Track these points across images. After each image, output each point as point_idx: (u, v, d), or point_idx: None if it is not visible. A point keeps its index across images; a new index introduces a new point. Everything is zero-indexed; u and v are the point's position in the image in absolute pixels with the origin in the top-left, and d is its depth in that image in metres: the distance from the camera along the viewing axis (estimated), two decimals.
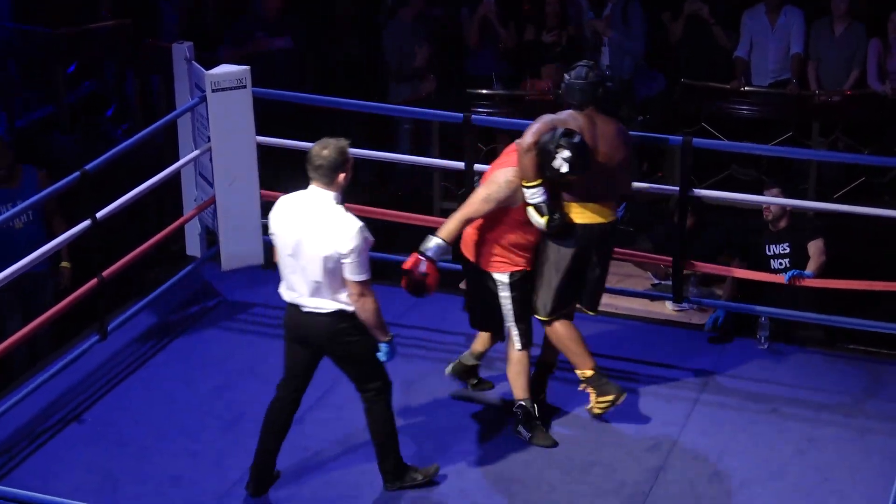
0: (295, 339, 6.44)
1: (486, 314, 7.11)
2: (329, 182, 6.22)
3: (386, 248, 9.50)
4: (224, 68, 8.21)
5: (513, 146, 6.93)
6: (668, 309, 8.72)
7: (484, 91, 11.13)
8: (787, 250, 8.23)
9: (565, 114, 6.94)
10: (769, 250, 8.28)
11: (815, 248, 8.12)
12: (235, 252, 8.38)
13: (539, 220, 6.75)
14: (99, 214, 7.44)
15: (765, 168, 10.97)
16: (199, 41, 8.89)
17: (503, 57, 11.47)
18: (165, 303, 8.40)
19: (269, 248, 8.56)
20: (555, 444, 6.99)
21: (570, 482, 6.71)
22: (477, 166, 8.27)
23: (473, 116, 8.35)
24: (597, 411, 7.16)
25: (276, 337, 7.99)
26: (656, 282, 9.23)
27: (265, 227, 8.43)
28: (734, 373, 7.72)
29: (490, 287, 6.98)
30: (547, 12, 11.35)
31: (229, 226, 8.31)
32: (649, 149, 11.08)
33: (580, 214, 6.89)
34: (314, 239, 6.19)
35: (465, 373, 7.45)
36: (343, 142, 6.27)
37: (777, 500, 6.59)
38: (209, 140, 8.16)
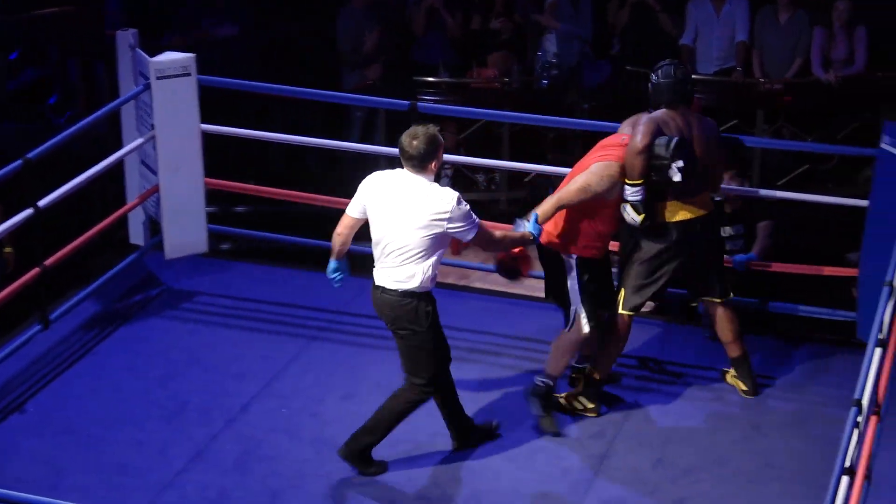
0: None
1: (557, 296, 7.13)
2: (422, 169, 6.30)
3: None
4: (169, 56, 8.15)
5: (612, 140, 7.00)
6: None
7: (430, 79, 11.12)
8: (741, 231, 8.20)
9: (662, 113, 7.02)
10: (723, 232, 8.28)
11: (762, 230, 8.16)
12: (179, 240, 8.34)
13: (635, 217, 6.87)
14: (41, 203, 7.38)
15: None
16: (143, 28, 8.82)
17: (450, 45, 11.47)
18: (109, 292, 8.33)
19: (213, 236, 8.57)
20: (557, 434, 7.02)
21: (515, 469, 6.72)
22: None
23: (420, 104, 8.34)
24: (564, 404, 7.20)
25: (220, 326, 8.02)
26: None
27: (210, 216, 8.47)
28: (679, 360, 7.75)
29: (561, 269, 7.01)
30: (495, 1, 11.37)
31: (173, 214, 8.26)
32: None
33: (677, 212, 7.00)
34: (407, 212, 6.27)
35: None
36: (432, 129, 6.32)
37: (720, 486, 6.63)
38: (153, 128, 8.10)
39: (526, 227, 6.69)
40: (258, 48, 11.56)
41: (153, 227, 8.59)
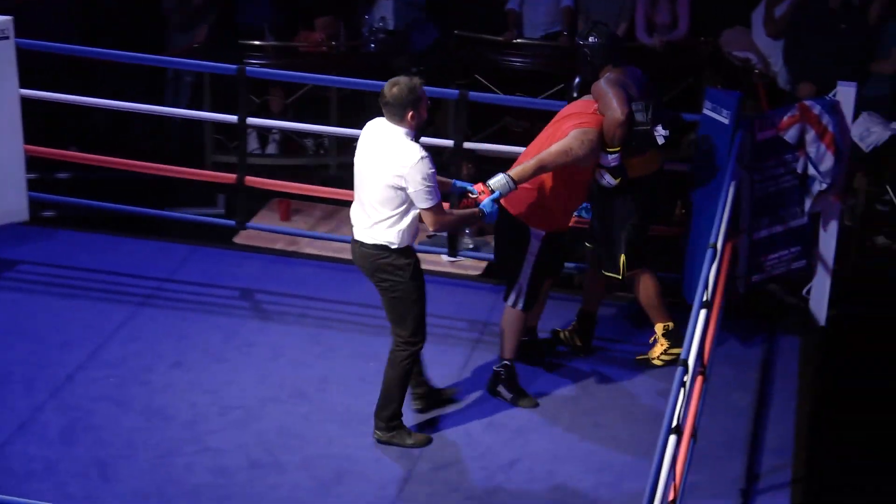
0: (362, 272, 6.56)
1: (508, 269, 7.09)
2: (399, 119, 6.24)
3: (162, 204, 9.39)
4: None
5: (582, 107, 6.95)
6: (442, 261, 8.77)
7: (256, 42, 10.97)
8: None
9: (617, 76, 6.99)
10: None
11: None
12: None
13: (612, 181, 6.93)
14: None
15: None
16: None
17: (275, 7, 11.33)
18: None
19: (34, 203, 8.37)
20: (536, 405, 7.02)
21: (348, 435, 6.70)
22: (252, 119, 8.17)
23: (248, 69, 8.23)
24: (658, 363, 7.36)
25: (44, 295, 7.85)
26: (431, 233, 9.26)
27: (31, 183, 8.26)
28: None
29: (519, 241, 6.97)
30: None
31: None
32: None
33: (638, 169, 7.06)
34: (376, 166, 6.26)
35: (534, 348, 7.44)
36: (415, 80, 6.28)
37: (551, 445, 6.70)
38: None
39: (498, 181, 6.61)
40: (81, 10, 11.25)
41: None
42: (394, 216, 6.32)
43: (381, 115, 6.33)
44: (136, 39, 10.22)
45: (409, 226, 6.37)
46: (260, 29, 11.07)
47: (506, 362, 7.06)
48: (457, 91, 8.11)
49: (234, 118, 8.23)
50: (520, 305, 7.03)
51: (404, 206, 6.31)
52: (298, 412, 6.88)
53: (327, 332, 7.65)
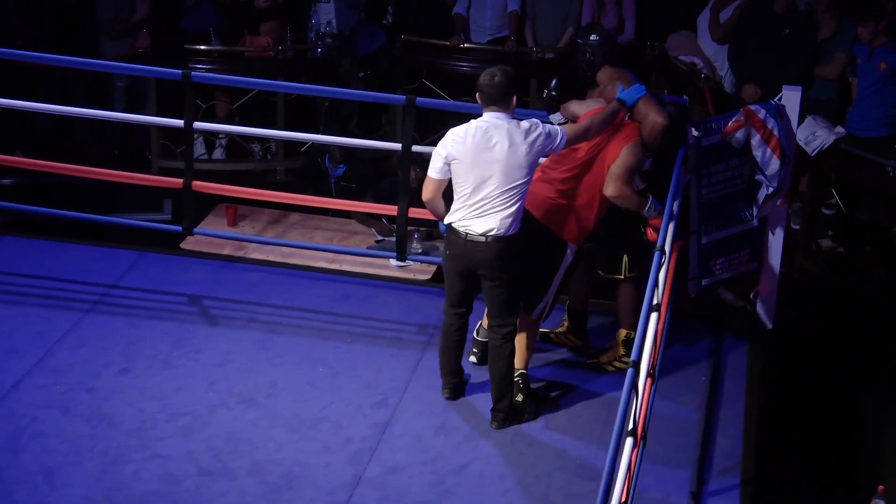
0: (459, 268, 6.74)
1: (539, 282, 7.02)
2: (506, 105, 6.56)
3: (108, 209, 9.33)
4: None
5: (620, 124, 6.93)
6: (391, 265, 8.75)
7: (202, 47, 10.92)
8: None
9: (626, 74, 7.07)
10: None
11: None
12: None
13: (641, 184, 7.01)
14: None
15: None
16: None
17: (220, 11, 11.28)
18: None
19: None
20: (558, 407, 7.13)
21: (297, 440, 6.68)
22: (198, 124, 8.13)
23: (194, 73, 8.19)
24: (610, 368, 7.37)
25: None
26: (380, 238, 9.27)
27: None
28: None
29: (554, 254, 6.93)
30: None
31: None
32: (370, 105, 11.13)
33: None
34: (502, 156, 6.49)
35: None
36: (507, 67, 6.64)
37: (502, 449, 6.70)
38: None
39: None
40: (21, 16, 11.15)
41: None
42: (514, 204, 6.58)
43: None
44: (74, 46, 10.15)
45: (520, 212, 6.66)
46: (206, 34, 11.02)
47: (523, 371, 7.05)
48: (404, 97, 8.10)
49: (180, 123, 8.18)
50: (544, 317, 7.09)
51: (523, 192, 6.61)
52: (247, 418, 6.84)
53: (276, 338, 7.61)
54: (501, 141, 6.49)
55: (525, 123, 6.52)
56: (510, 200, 6.52)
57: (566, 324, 7.63)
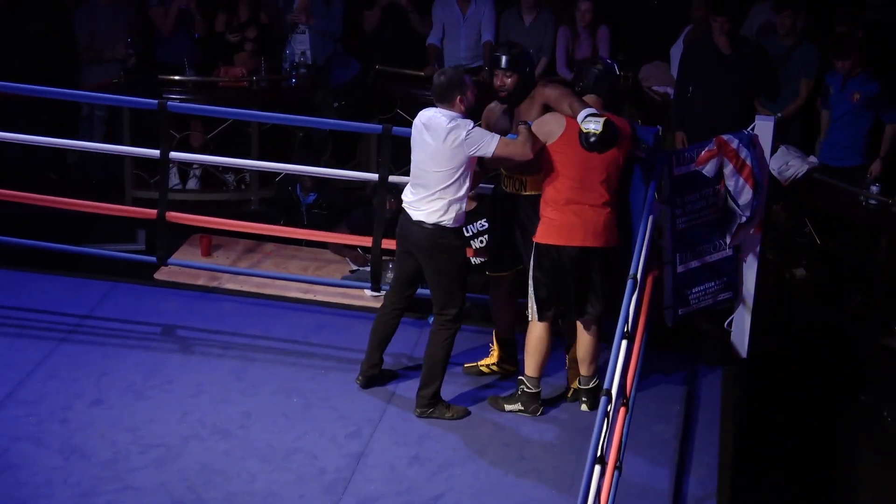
0: (405, 250, 7.13)
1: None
2: (449, 103, 6.97)
3: (81, 240, 9.29)
4: None
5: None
6: (366, 295, 8.72)
7: (176, 77, 10.91)
8: (486, 226, 8.18)
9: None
10: (468, 231, 8.27)
11: None
12: None
13: None
14: None
15: None
16: None
17: (195, 43, 11.28)
18: None
19: None
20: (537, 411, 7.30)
21: (271, 471, 6.65)
22: (174, 154, 8.13)
23: (169, 103, 8.19)
24: (485, 370, 7.66)
25: None
26: (355, 268, 9.24)
27: None
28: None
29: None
30: (239, 3, 11.25)
31: None
32: (345, 136, 11.13)
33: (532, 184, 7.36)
34: (430, 145, 6.93)
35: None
36: (459, 68, 7.43)
37: (477, 480, 6.69)
38: None
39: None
40: None
41: None
42: (451, 194, 6.97)
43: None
44: (46, 72, 10.12)
45: (462, 205, 7.04)
46: (180, 65, 11.01)
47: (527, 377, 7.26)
48: (381, 126, 8.12)
49: (155, 153, 8.17)
50: (538, 317, 7.19)
51: (461, 182, 7.00)
52: (220, 449, 6.81)
53: (249, 368, 7.59)
54: (432, 131, 6.92)
55: (454, 122, 6.89)
56: (440, 189, 6.91)
57: (496, 353, 7.68)
